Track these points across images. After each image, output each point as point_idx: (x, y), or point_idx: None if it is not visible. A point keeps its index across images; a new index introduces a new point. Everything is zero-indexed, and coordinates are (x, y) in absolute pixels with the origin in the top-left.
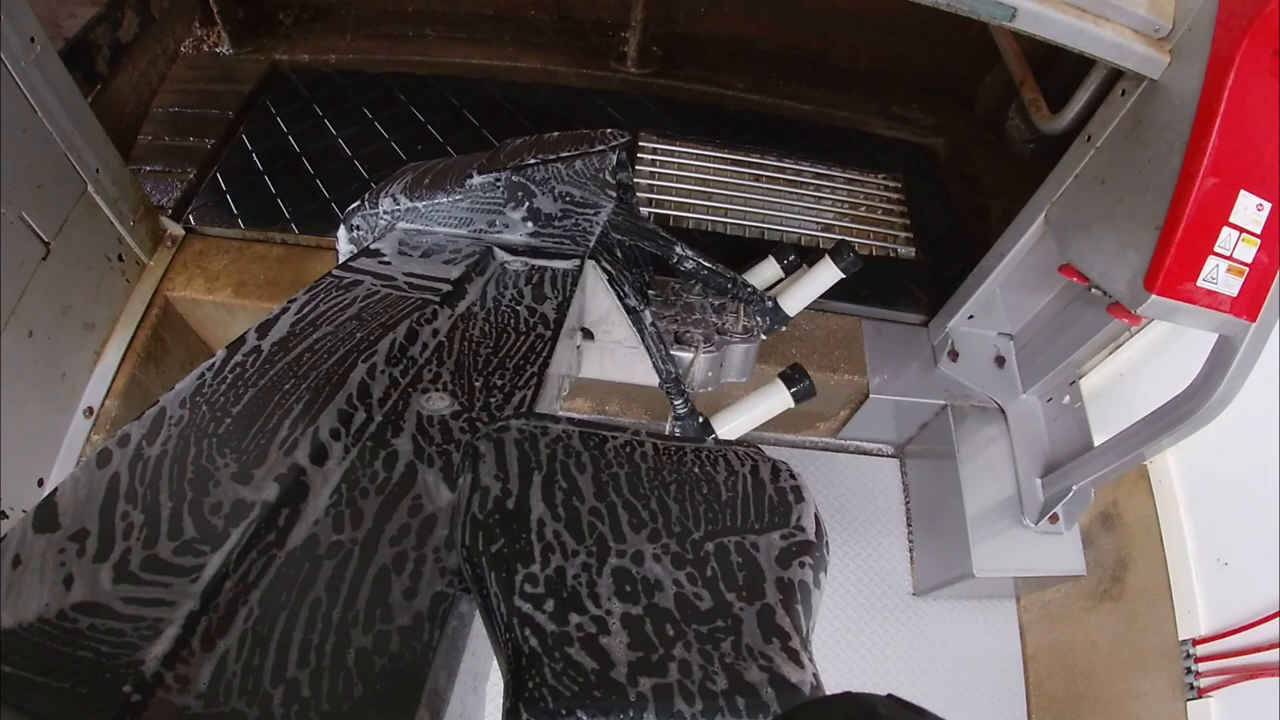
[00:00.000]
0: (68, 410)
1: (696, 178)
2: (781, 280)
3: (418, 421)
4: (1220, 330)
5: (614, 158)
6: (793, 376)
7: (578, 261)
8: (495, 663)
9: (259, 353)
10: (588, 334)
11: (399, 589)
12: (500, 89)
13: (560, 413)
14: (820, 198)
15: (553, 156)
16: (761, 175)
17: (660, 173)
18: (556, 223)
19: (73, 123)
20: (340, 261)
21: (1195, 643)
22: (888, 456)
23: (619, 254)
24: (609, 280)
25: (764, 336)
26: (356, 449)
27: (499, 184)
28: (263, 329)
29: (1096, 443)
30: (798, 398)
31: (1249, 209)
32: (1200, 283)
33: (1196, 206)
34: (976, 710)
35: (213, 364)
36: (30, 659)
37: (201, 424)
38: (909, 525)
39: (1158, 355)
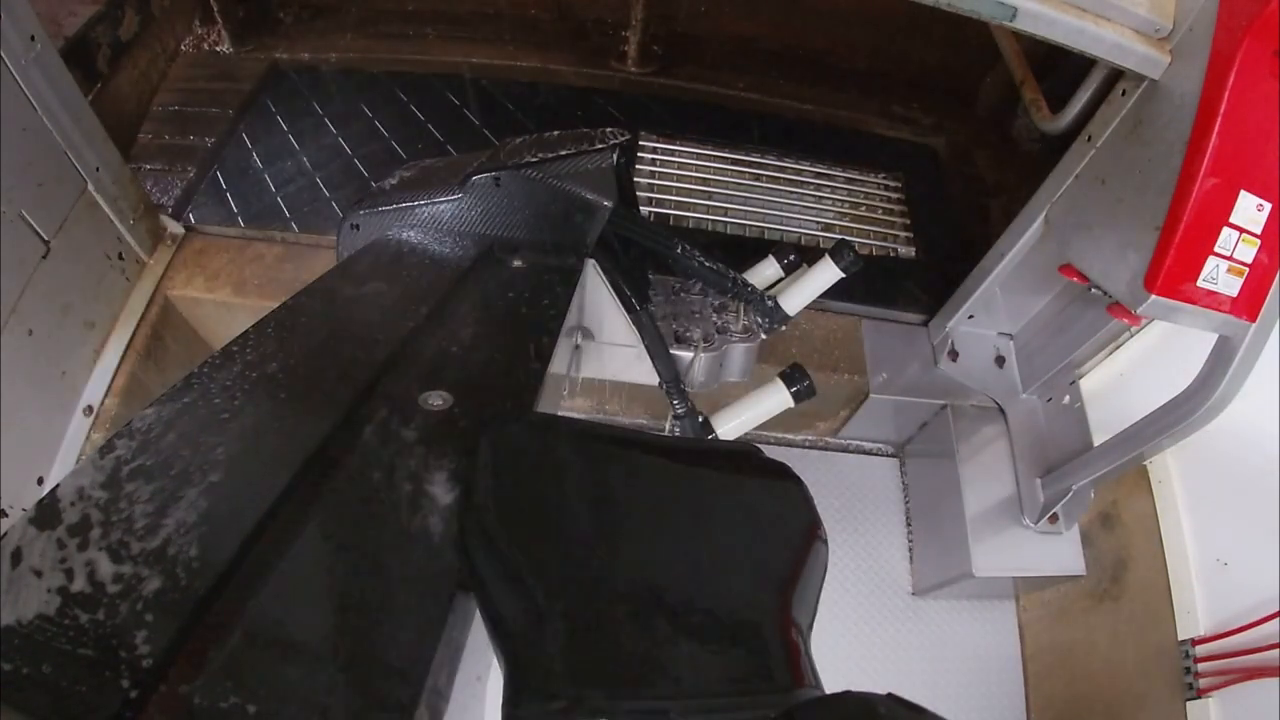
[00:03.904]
0: (67, 409)
1: (696, 177)
2: (781, 280)
3: (418, 420)
4: (1220, 330)
5: (614, 156)
6: (793, 376)
7: (578, 261)
8: (495, 662)
9: (263, 348)
10: (588, 334)
11: (399, 587)
12: (500, 88)
13: (560, 413)
14: (820, 198)
15: (553, 155)
16: (761, 175)
17: (660, 172)
18: (557, 222)
19: (73, 121)
20: (340, 260)
21: (1195, 643)
22: (888, 456)
23: (619, 254)
24: (609, 280)
25: (764, 336)
26: (357, 447)
27: (499, 182)
28: (266, 324)
29: (1096, 443)
30: (798, 398)
31: (1249, 209)
32: (1200, 283)
33: (1197, 207)
34: (976, 710)
35: (217, 358)
36: (30, 656)
37: (205, 418)
38: (909, 525)
39: (1158, 355)
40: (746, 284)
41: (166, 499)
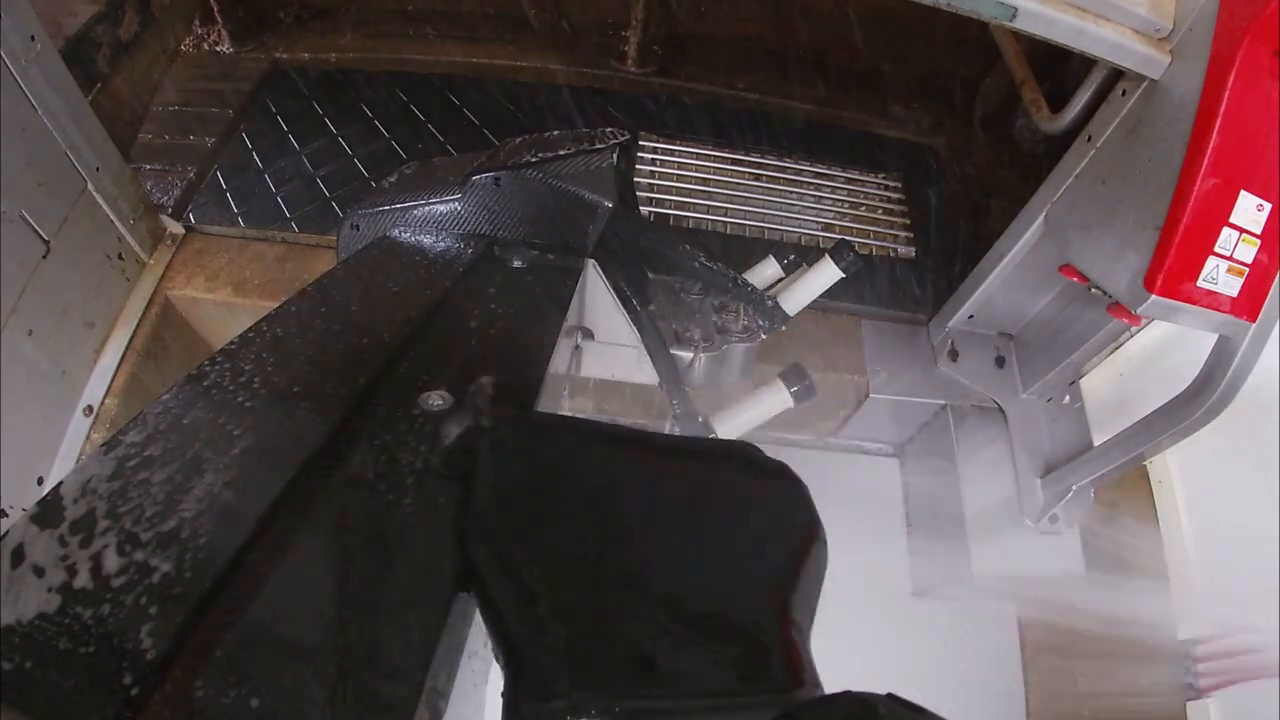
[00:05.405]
0: (67, 409)
1: (696, 178)
2: (781, 280)
3: (418, 420)
4: (1220, 330)
5: (614, 156)
6: (793, 376)
7: (578, 261)
8: (495, 663)
9: (264, 349)
10: (588, 334)
11: (400, 587)
12: (500, 88)
13: (560, 413)
14: (820, 198)
15: (552, 155)
16: (761, 175)
17: (660, 172)
18: (557, 222)
19: (73, 121)
20: (341, 259)
21: (1195, 643)
22: (888, 456)
23: (619, 253)
24: (609, 280)
25: (764, 336)
26: (359, 447)
27: (499, 183)
28: (266, 324)
29: (1096, 443)
30: (798, 398)
31: (1249, 209)
32: (1200, 283)
33: (1197, 207)
34: (976, 710)
35: (219, 357)
36: (31, 655)
37: (210, 415)
38: (908, 525)
39: (1158, 355)
40: (746, 284)
41: (173, 491)
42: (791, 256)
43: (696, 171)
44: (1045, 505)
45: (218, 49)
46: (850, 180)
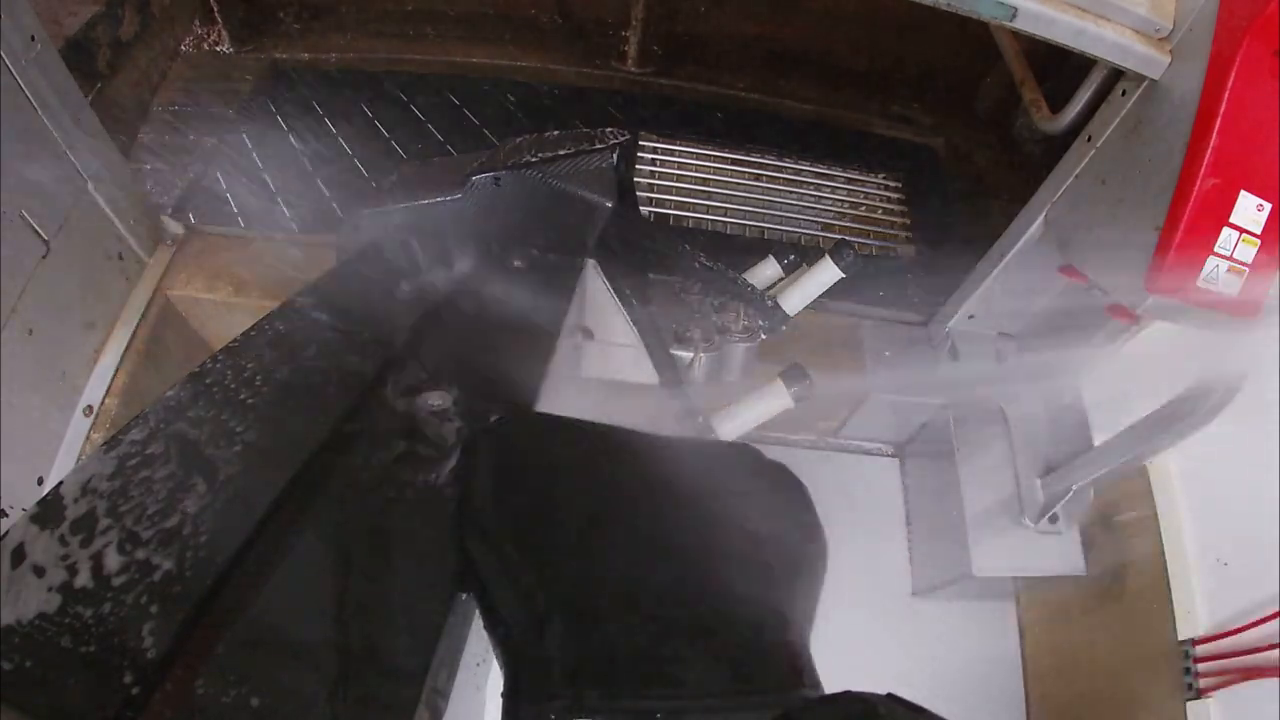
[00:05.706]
0: (67, 409)
1: (696, 178)
2: (781, 280)
3: (418, 419)
4: (1221, 331)
5: (614, 157)
6: (793, 376)
7: (578, 261)
8: (495, 662)
9: (269, 344)
10: (588, 334)
11: (400, 587)
12: (500, 88)
13: (560, 413)
14: (820, 198)
15: (552, 155)
16: (761, 175)
17: (660, 173)
18: (557, 222)
19: (73, 121)
20: (341, 259)
21: (1195, 643)
22: (888, 456)
23: (619, 254)
24: (609, 280)
25: (764, 336)
26: (360, 446)
27: (499, 182)
28: (267, 324)
29: (1096, 443)
30: (798, 398)
31: (1249, 209)
32: (1200, 283)
33: (1197, 207)
34: (976, 710)
35: (219, 356)
36: (31, 655)
37: (211, 413)
38: (908, 525)
39: (1158, 355)
40: (746, 284)
41: (175, 489)
42: (791, 256)
43: (696, 171)
44: (1045, 505)
45: (218, 49)
46: (850, 180)
